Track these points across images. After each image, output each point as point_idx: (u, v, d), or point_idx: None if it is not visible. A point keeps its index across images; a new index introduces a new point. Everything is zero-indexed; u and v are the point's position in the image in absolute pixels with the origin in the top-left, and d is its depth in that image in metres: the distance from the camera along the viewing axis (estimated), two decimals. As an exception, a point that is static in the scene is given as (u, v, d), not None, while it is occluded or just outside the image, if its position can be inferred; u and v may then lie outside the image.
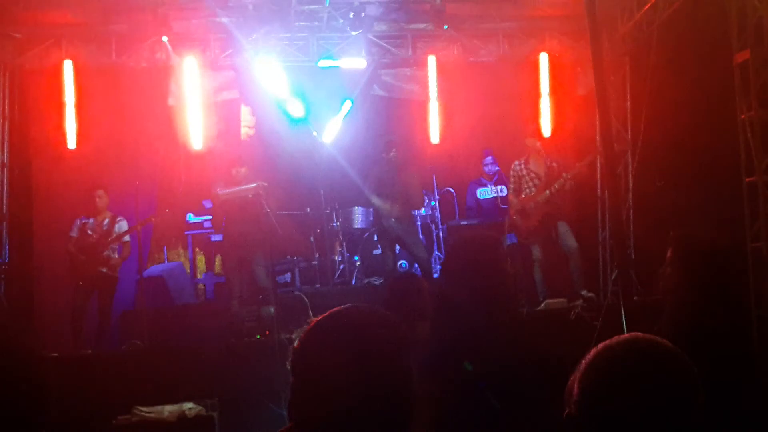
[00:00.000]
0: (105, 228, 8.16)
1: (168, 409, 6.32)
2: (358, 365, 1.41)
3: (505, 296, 2.83)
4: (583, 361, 1.48)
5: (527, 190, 8.62)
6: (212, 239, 10.10)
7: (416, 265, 8.86)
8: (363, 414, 1.41)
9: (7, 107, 8.92)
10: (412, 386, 1.47)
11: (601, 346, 1.49)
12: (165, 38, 8.87)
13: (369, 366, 1.42)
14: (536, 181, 8.59)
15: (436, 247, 9.83)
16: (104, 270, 8.09)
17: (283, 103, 9.59)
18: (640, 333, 1.50)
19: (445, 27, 9.17)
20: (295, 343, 1.53)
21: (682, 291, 3.21)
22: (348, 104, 9.79)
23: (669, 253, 3.40)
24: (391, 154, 8.64)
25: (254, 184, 8.29)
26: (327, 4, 8.79)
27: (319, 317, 1.53)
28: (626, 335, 1.49)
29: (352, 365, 1.41)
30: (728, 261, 3.46)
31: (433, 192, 9.90)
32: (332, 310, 1.54)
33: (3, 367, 2.03)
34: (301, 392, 1.46)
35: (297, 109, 9.64)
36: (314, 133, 9.83)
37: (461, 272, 2.83)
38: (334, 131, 9.95)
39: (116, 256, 8.18)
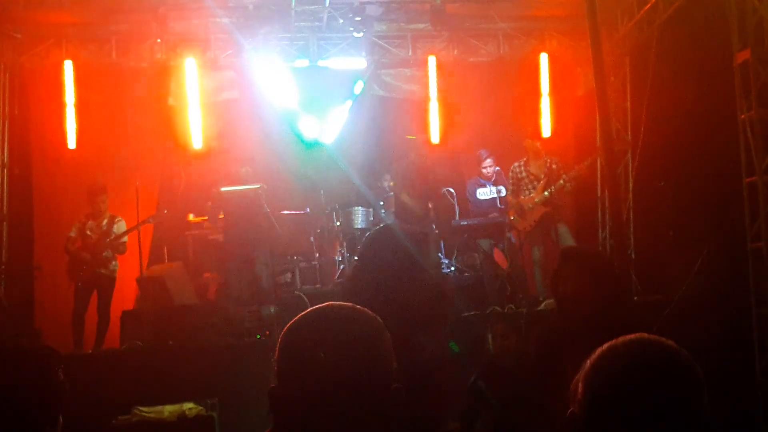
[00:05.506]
0: (104, 228, 8.15)
1: (168, 409, 6.32)
2: (338, 362, 1.42)
3: None
4: (588, 361, 1.49)
5: (526, 192, 8.63)
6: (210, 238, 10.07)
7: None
8: (345, 410, 1.41)
9: (7, 107, 8.91)
10: (392, 380, 1.48)
11: (605, 345, 1.49)
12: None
13: (350, 362, 1.42)
14: (535, 183, 8.61)
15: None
16: (103, 271, 8.08)
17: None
18: (644, 333, 1.50)
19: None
20: (276, 347, 1.53)
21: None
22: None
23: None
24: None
25: (257, 186, 8.31)
26: (327, 5, 8.79)
27: (296, 318, 1.52)
28: (631, 335, 1.49)
29: (332, 362, 1.42)
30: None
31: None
32: (307, 310, 1.54)
33: (13, 361, 2.05)
34: (284, 393, 1.46)
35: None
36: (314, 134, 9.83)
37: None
38: (334, 131, 9.94)
39: (115, 260, 8.19)
